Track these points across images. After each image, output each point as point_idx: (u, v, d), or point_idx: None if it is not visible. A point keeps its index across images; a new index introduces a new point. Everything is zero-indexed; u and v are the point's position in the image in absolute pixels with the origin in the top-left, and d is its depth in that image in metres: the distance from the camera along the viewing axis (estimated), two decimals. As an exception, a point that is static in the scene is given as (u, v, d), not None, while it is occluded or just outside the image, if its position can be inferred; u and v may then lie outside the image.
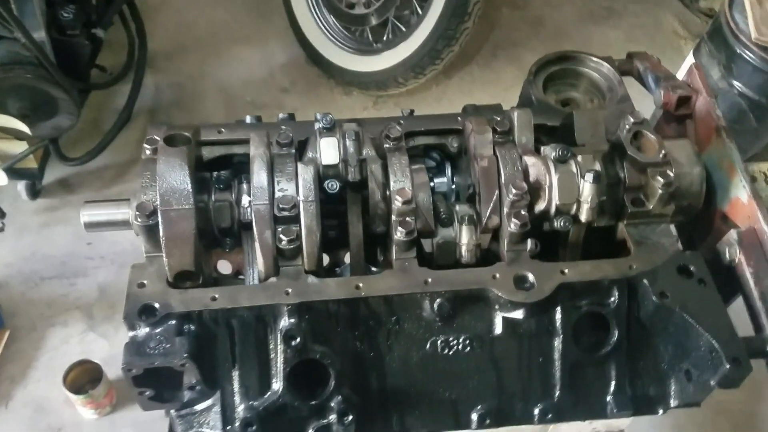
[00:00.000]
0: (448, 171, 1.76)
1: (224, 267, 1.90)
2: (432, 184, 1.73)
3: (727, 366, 1.37)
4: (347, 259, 1.71)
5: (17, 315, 3.19)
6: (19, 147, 3.18)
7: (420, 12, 3.77)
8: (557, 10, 4.61)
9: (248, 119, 1.75)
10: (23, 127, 2.78)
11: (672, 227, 1.74)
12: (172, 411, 1.49)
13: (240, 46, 4.30)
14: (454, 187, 1.74)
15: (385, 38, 3.96)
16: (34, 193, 3.50)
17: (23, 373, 3.04)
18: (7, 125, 2.77)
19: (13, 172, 3.33)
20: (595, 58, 1.85)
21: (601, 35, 4.48)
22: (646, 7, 4.67)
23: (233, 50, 4.28)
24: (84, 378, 2.89)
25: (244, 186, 1.57)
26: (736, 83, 3.27)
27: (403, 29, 3.88)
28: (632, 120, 1.56)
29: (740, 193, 1.57)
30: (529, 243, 1.79)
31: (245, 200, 1.56)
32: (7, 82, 2.69)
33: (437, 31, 3.65)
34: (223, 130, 1.66)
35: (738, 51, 3.18)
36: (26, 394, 2.99)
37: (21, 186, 3.45)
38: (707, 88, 1.70)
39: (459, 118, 1.71)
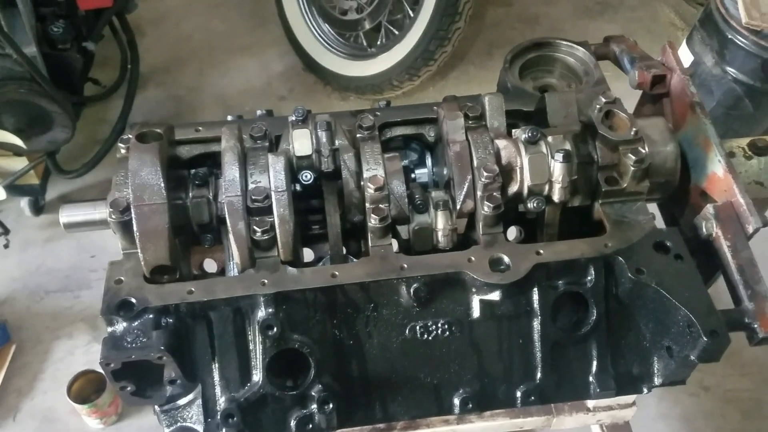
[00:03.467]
0: (428, 161, 1.77)
1: (210, 267, 1.92)
2: (413, 175, 1.75)
3: (705, 339, 1.35)
4: (331, 252, 1.71)
5: (23, 328, 3.24)
6: (18, 163, 3.23)
7: (412, 14, 3.79)
8: (552, 7, 4.61)
9: (229, 118, 1.77)
10: (18, 141, 2.82)
11: (654, 205, 1.74)
12: (157, 407, 1.51)
13: (237, 56, 4.35)
14: (434, 177, 1.75)
15: (378, 42, 3.99)
16: (38, 209, 3.56)
17: (30, 386, 3.08)
18: (2, 140, 2.81)
19: (17, 189, 3.38)
20: (569, 43, 1.85)
21: (597, 30, 4.46)
22: (642, 0, 4.66)
23: (230, 61, 4.32)
24: (89, 388, 2.91)
25: (221, 181, 1.58)
26: (729, 69, 3.25)
27: (396, 32, 3.90)
28: (603, 99, 1.56)
29: (716, 167, 1.56)
30: (514, 230, 1.79)
31: (222, 195, 1.57)
32: (1, 98, 2.73)
33: (429, 32, 3.68)
34: (200, 128, 1.68)
35: (729, 36, 3.16)
36: (33, 406, 3.03)
37: (24, 202, 3.50)
38: (681, 66, 1.69)
39: (435, 108, 1.72)
